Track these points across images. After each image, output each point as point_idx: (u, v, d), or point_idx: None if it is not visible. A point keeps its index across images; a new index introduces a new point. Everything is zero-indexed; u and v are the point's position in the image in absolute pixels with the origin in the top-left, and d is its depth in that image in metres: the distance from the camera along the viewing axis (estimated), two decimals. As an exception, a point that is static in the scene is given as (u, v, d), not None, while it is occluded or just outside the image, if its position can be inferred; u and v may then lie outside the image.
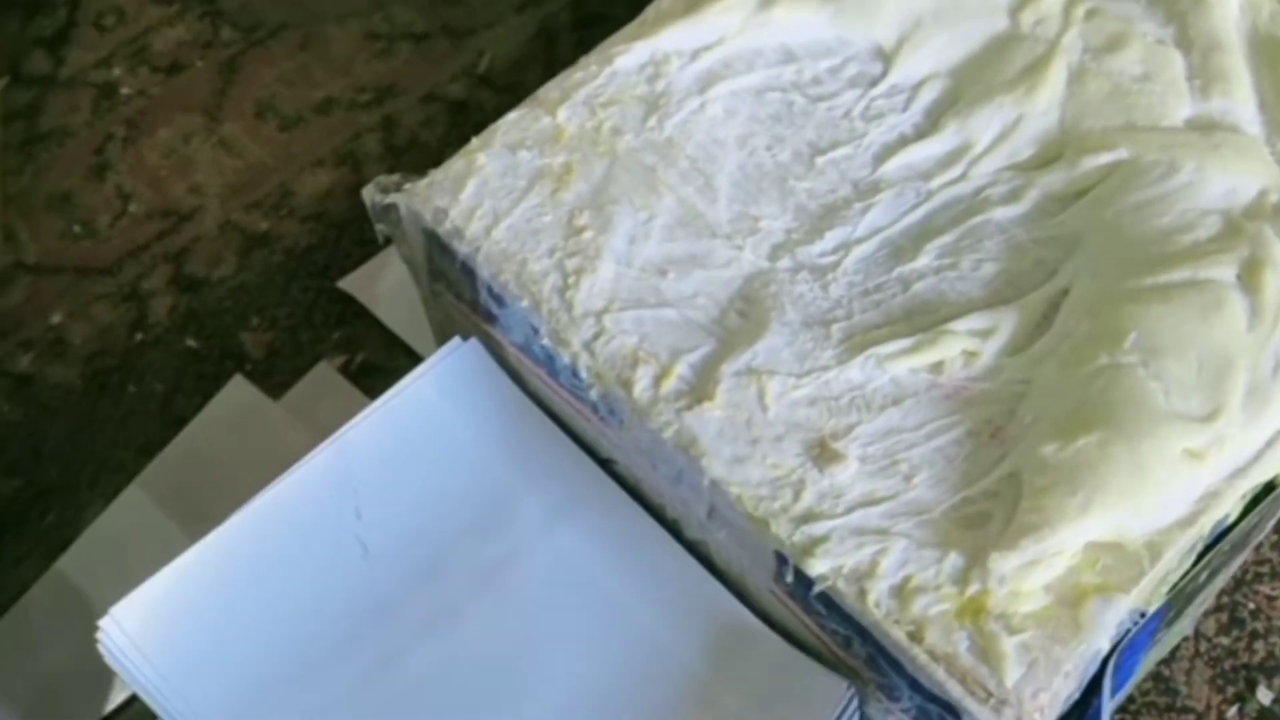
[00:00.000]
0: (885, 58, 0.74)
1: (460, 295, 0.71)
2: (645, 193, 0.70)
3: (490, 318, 0.69)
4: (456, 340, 0.71)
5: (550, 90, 0.72)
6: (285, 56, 1.05)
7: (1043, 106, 0.72)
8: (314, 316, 0.94)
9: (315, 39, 1.05)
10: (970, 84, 0.73)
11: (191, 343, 0.93)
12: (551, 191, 0.69)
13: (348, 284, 0.93)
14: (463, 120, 1.01)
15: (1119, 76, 0.72)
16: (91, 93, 1.03)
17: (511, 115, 0.72)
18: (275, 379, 0.91)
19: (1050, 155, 0.72)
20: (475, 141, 0.71)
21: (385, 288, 0.92)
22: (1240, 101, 0.71)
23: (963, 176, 0.71)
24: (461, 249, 0.68)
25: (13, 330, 0.93)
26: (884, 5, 0.75)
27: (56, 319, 0.94)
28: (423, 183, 0.69)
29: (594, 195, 0.69)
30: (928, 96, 0.73)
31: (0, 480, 0.87)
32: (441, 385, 0.70)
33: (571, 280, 0.67)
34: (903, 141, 0.72)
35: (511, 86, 1.03)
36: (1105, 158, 0.70)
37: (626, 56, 0.73)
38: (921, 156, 0.72)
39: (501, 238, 0.68)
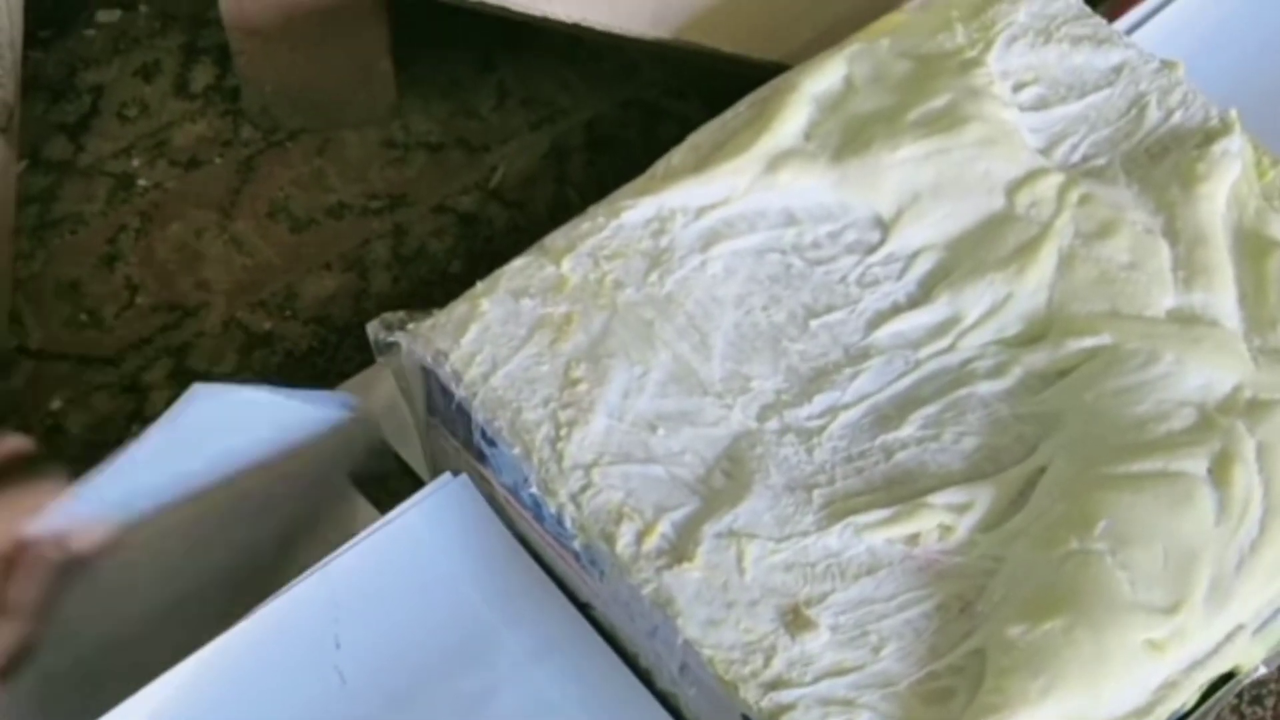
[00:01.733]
0: (884, 226, 0.78)
1: (454, 432, 0.74)
2: (642, 347, 0.72)
3: (482, 457, 0.72)
4: (447, 476, 0.74)
5: (557, 239, 0.76)
6: (302, 159, 1.08)
7: (1032, 286, 0.75)
8: (309, 420, 0.96)
9: (332, 144, 1.08)
10: (964, 258, 0.76)
11: (187, 439, 0.95)
12: (550, 341, 0.72)
13: (343, 390, 0.96)
14: (471, 233, 1.04)
15: (1107, 263, 0.75)
16: (109, 182, 1.06)
17: (517, 262, 0.75)
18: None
19: (1036, 334, 0.75)
20: (480, 285, 0.74)
21: (380, 397, 0.94)
22: (1221, 295, 0.75)
23: (951, 348, 0.74)
24: (459, 392, 0.71)
25: (11, 414, 0.95)
26: (885, 176, 0.78)
27: (56, 405, 0.97)
28: (426, 324, 0.72)
29: (592, 347, 0.72)
30: (922, 267, 0.76)
31: (-11, 568, 0.89)
32: (430, 520, 0.73)
33: (564, 432, 0.70)
34: (895, 310, 0.76)
35: (521, 202, 1.06)
36: (1089, 341, 0.73)
37: (633, 211, 0.76)
38: (912, 325, 0.75)
39: (499, 385, 0.71)
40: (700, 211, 0.77)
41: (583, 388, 0.71)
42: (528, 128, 1.11)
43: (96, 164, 1.07)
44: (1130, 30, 0.89)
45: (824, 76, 0.81)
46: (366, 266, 1.03)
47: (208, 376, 0.98)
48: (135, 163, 1.07)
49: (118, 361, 0.99)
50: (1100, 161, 0.80)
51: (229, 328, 1.01)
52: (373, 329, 0.74)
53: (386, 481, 0.95)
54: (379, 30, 1.02)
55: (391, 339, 0.73)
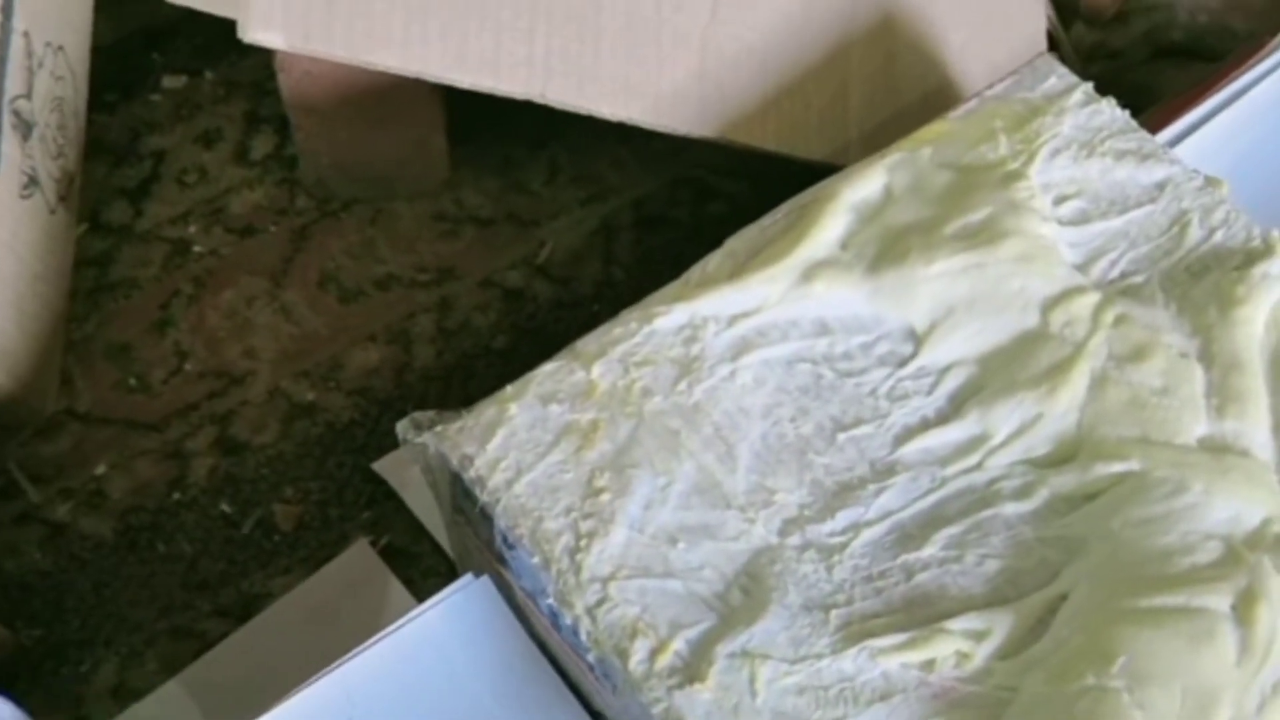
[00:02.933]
0: (916, 339, 0.76)
1: (478, 533, 0.73)
2: (666, 457, 0.72)
3: (503, 560, 0.72)
4: (469, 577, 0.73)
5: (589, 343, 0.75)
6: (354, 230, 1.08)
7: (1062, 408, 0.74)
8: (345, 494, 0.96)
9: (384, 215, 1.08)
10: (995, 375, 0.75)
11: (225, 508, 0.95)
12: (576, 449, 0.71)
13: (381, 467, 0.96)
14: (516, 308, 1.04)
15: (1139, 387, 0.73)
16: (165, 248, 1.06)
17: (548, 366, 0.74)
18: (300, 554, 0.93)
19: (1065, 455, 0.73)
20: (510, 389, 0.73)
21: (416, 475, 0.94)
22: (1254, 424, 0.73)
23: (978, 466, 0.73)
24: (483, 497, 0.70)
25: (55, 477, 0.96)
26: (920, 289, 0.76)
27: (100, 470, 0.97)
28: (454, 426, 0.72)
29: (616, 456, 0.71)
30: (953, 382, 0.75)
31: (22, 629, 0.89)
32: (449, 621, 0.72)
33: (583, 543, 0.69)
34: (924, 425, 0.74)
35: (566, 279, 1.05)
36: (1117, 466, 0.72)
37: (666, 318, 0.75)
38: (940, 442, 0.74)
39: (522, 492, 0.70)
40: (733, 320, 0.76)
41: (605, 498, 0.70)
42: (577, 204, 1.10)
43: (154, 229, 1.08)
44: (1175, 142, 0.87)
45: (863, 185, 0.80)
46: (411, 339, 1.03)
47: (249, 446, 0.98)
48: (192, 229, 1.08)
49: (162, 428, 0.99)
50: (1139, 279, 0.79)
51: (273, 397, 1.01)
52: (402, 428, 0.73)
53: (419, 560, 0.95)
54: (434, 109, 1.02)
55: (419, 439, 0.72)
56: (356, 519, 0.96)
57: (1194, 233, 0.80)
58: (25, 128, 0.93)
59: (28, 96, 0.93)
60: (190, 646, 0.92)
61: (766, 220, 0.80)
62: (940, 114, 0.87)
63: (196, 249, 1.07)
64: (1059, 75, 0.85)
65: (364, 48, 0.77)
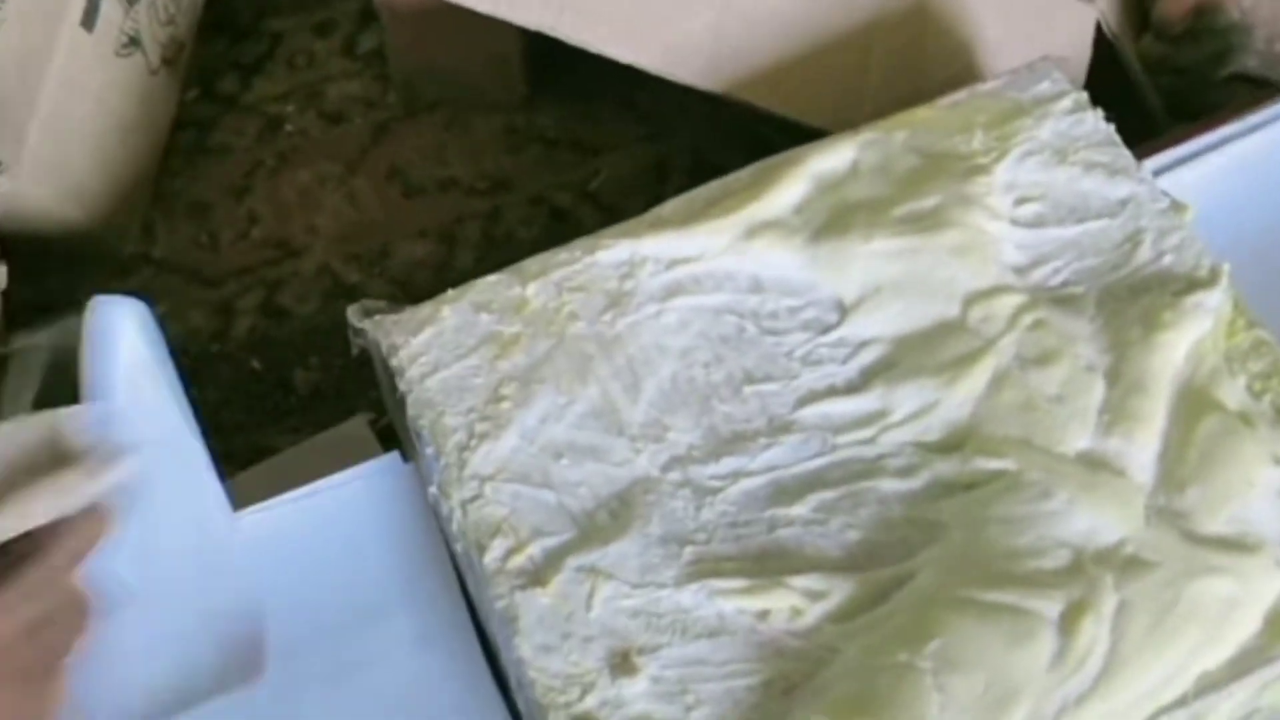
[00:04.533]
0: (842, 310, 0.76)
1: (404, 420, 0.75)
2: (574, 379, 0.73)
3: (415, 448, 0.74)
4: (394, 456, 0.76)
5: (533, 263, 0.76)
6: (430, 131, 1.11)
7: (959, 399, 0.73)
8: (363, 373, 0.99)
9: (460, 122, 1.10)
10: (907, 357, 0.74)
11: (256, 364, 1.00)
12: (493, 357, 0.73)
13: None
14: (559, 228, 1.06)
15: (1034, 392, 0.72)
16: (261, 121, 1.11)
17: (491, 278, 0.76)
18: (310, 417, 0.97)
19: (952, 444, 0.73)
20: (451, 293, 0.75)
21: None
22: (1139, 446, 0.71)
23: (870, 440, 0.73)
24: (400, 386, 0.73)
25: (119, 312, 1.01)
26: (855, 263, 0.76)
27: (158, 312, 1.02)
28: (391, 318, 0.74)
29: (528, 370, 0.73)
30: (867, 357, 0.75)
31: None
32: (362, 494, 0.76)
33: (474, 442, 0.71)
34: (830, 392, 0.74)
35: (613, 208, 1.07)
36: (995, 464, 0.71)
37: (609, 251, 0.76)
38: (840, 410, 0.74)
39: (433, 386, 0.72)
40: (672, 263, 0.77)
41: (505, 405, 0.72)
42: (638, 140, 1.11)
43: (257, 103, 1.12)
44: (1169, 168, 0.84)
45: (831, 156, 0.80)
46: (457, 241, 1.06)
47: (290, 314, 1.02)
48: (289, 108, 1.12)
49: (219, 284, 1.04)
50: (1077, 289, 0.77)
51: (321, 273, 1.04)
52: (352, 312, 0.76)
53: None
54: (511, 29, 1.03)
55: (361, 325, 0.75)
56: (365, 396, 0.99)
57: (1144, 252, 0.78)
58: (131, -9, 0.97)
59: (137, -36, 0.97)
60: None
61: (732, 177, 0.80)
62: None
63: (288, 128, 1.11)
64: (1053, 80, 0.83)
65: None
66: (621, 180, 1.09)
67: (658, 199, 1.07)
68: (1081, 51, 0.95)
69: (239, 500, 0.93)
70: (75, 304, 0.99)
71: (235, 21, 1.15)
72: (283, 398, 0.99)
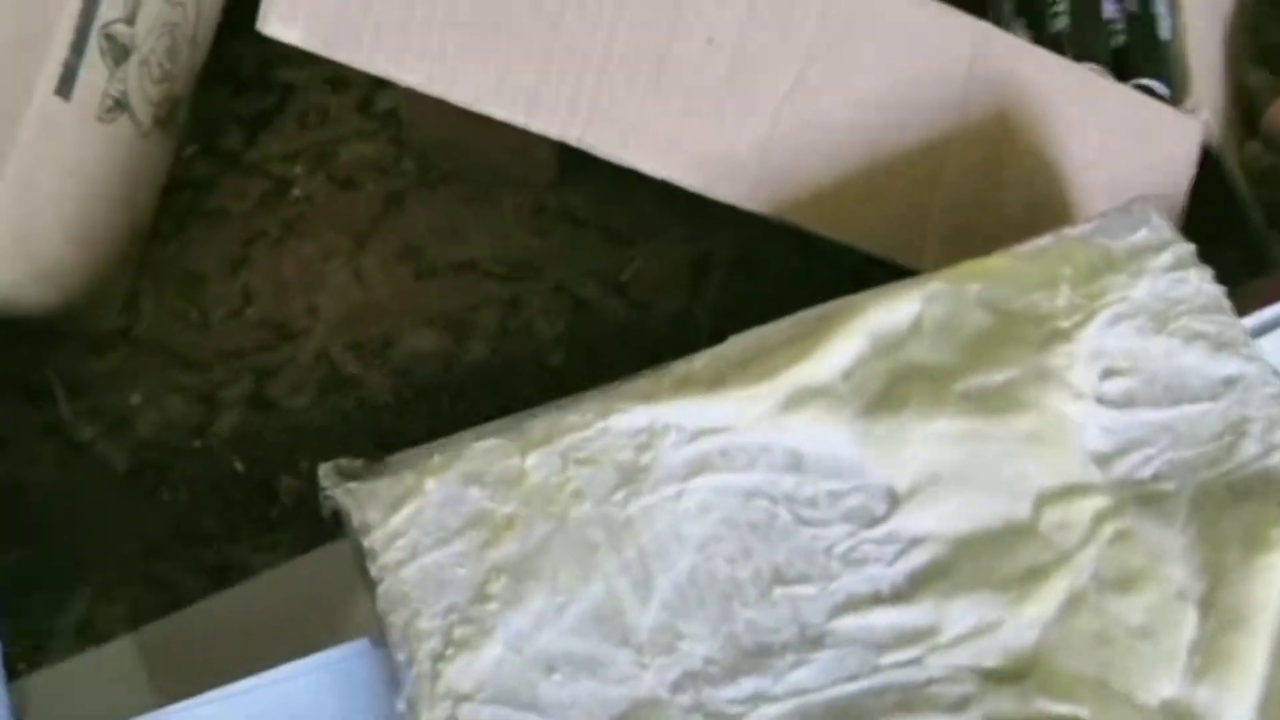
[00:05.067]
0: (893, 500, 0.65)
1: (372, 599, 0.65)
2: (575, 573, 0.62)
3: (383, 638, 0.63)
4: (364, 644, 0.65)
5: (538, 426, 0.65)
6: (447, 205, 1.00)
7: (1026, 621, 0.62)
8: (358, 480, 0.89)
9: (481, 198, 1.00)
10: (966, 564, 0.63)
11: (238, 465, 0.89)
12: (482, 543, 0.62)
13: (394, 462, 0.88)
14: (584, 323, 0.95)
15: (1115, 621, 0.61)
16: (265, 184, 1.00)
17: (486, 443, 0.65)
18: (291, 531, 0.87)
19: (1013, 674, 0.61)
20: (437, 459, 0.64)
21: (427, 480, 0.86)
22: (1234, 697, 0.60)
23: (917, 661, 0.62)
24: (372, 572, 0.62)
25: (90, 395, 0.91)
26: (911, 445, 0.65)
27: (134, 399, 0.92)
28: (367, 486, 0.63)
29: (521, 560, 0.62)
30: (918, 559, 0.64)
31: (5, 546, 0.85)
32: (324, 683, 0.64)
33: (452, 651, 0.60)
34: (873, 599, 0.63)
35: (644, 305, 0.96)
36: (1063, 708, 0.60)
37: (625, 415, 0.65)
38: (885, 622, 0.63)
39: (409, 577, 0.62)
40: (698, 434, 0.65)
41: (492, 606, 0.61)
42: (677, 230, 0.99)
43: (261, 162, 1.01)
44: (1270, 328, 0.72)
45: (892, 310, 0.68)
46: (469, 332, 0.95)
47: (279, 407, 0.91)
48: (297, 169, 1.01)
49: (205, 369, 0.93)
50: (1168, 486, 0.65)
51: (318, 361, 0.94)
52: (324, 472, 0.65)
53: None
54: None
55: (329, 493, 0.64)
56: (359, 507, 0.88)
57: (1249, 446, 0.66)
58: (120, 52, 0.87)
59: (128, 21, 0.86)
60: (162, 599, 0.86)
61: (775, 327, 0.69)
62: (1031, 234, 0.74)
63: (295, 192, 1.00)
64: (1152, 226, 0.71)
65: (389, 60, 0.68)
66: (656, 273, 0.98)
67: (695, 295, 0.96)
68: (1184, 169, 0.83)
69: (198, 631, 0.83)
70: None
71: (240, 70, 1.04)
72: (264, 506, 0.89)
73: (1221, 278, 0.71)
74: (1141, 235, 0.71)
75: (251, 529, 0.89)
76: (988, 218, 0.77)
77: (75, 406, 0.92)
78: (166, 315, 0.95)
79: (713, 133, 0.73)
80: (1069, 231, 0.71)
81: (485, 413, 0.87)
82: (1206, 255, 0.73)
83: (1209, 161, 0.88)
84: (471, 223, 0.99)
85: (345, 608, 0.84)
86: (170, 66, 0.93)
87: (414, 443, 0.86)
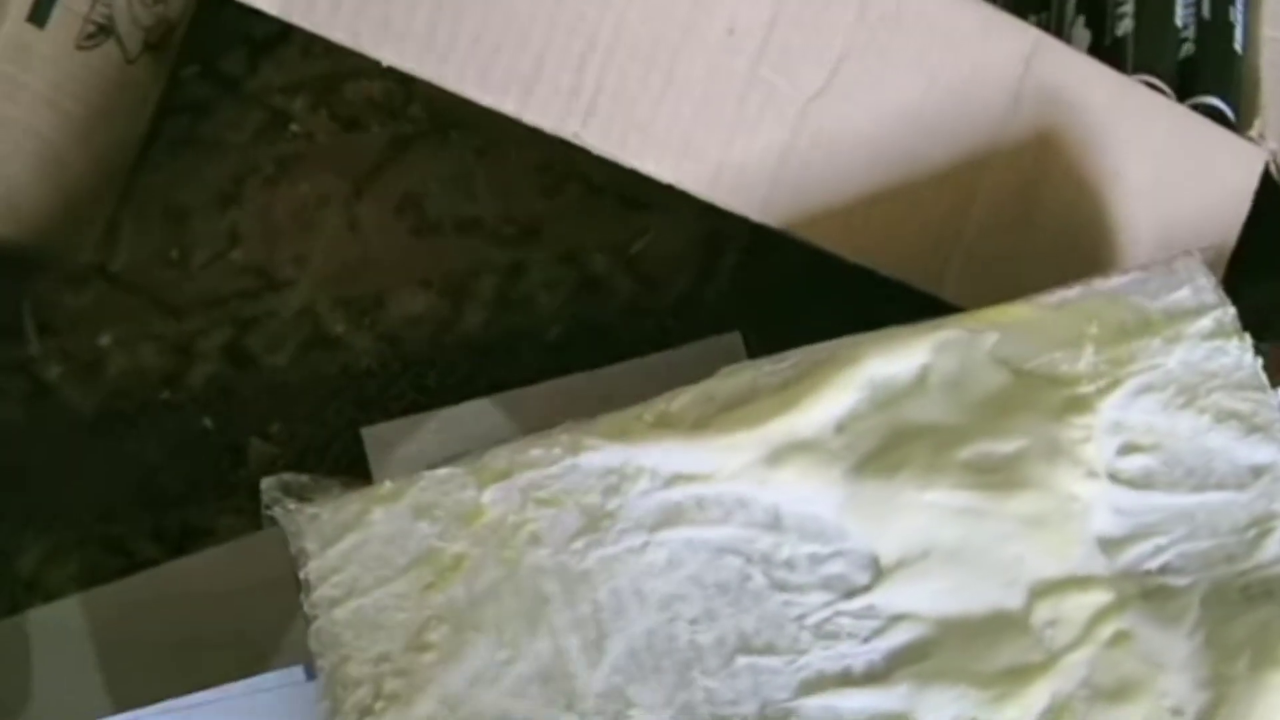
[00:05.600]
0: (877, 571, 0.59)
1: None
2: (522, 626, 0.57)
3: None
4: (297, 672, 0.61)
5: (500, 456, 0.60)
6: (455, 156, 0.94)
7: (1005, 724, 0.56)
8: (330, 448, 0.85)
9: (492, 150, 0.93)
10: (947, 650, 0.58)
11: (208, 422, 0.85)
12: (425, 585, 0.58)
13: (369, 434, 0.83)
14: (587, 298, 0.89)
15: (1102, 739, 0.55)
16: (263, 115, 0.94)
17: (442, 471, 0.60)
18: (257, 499, 0.82)
19: (987, 782, 0.56)
20: (388, 485, 0.59)
21: (401, 456, 0.81)
22: (1224, 837, 0.54)
23: (884, 754, 0.56)
24: (305, 606, 0.57)
25: (61, 332, 0.86)
26: (900, 513, 0.59)
27: (105, 340, 0.87)
28: (309, 510, 0.58)
29: (466, 608, 0.57)
30: (898, 638, 0.58)
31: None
32: (262, 707, 0.60)
33: (380, 705, 0.56)
34: (843, 678, 0.58)
35: (652, 280, 0.90)
36: (1034, 826, 0.54)
37: (594, 454, 0.60)
38: (854, 706, 0.58)
39: (342, 619, 0.57)
40: (672, 480, 0.60)
41: (429, 657, 0.56)
42: (695, 204, 0.93)
43: (260, 92, 0.95)
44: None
45: (896, 359, 0.62)
46: (465, 297, 0.90)
47: (257, 364, 0.86)
48: (297, 104, 0.95)
49: (181, 316, 0.88)
50: (1180, 581, 0.59)
51: (302, 317, 0.89)
52: (267, 486, 0.60)
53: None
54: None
55: (270, 512, 0.59)
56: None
57: (1272, 546, 0.60)
58: (106, -26, 0.80)
59: (118, -58, 0.80)
60: (115, 563, 0.83)
61: (769, 365, 0.63)
62: (1065, 264, 0.67)
63: (293, 127, 0.94)
64: (1196, 288, 0.64)
65: (372, 37, 0.62)
66: (669, 248, 0.92)
67: (706, 276, 0.90)
68: (1241, 203, 0.76)
69: (148, 597, 0.79)
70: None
71: (251, -10, 0.97)
72: (231, 469, 0.84)
73: (1268, 312, 0.64)
74: (1182, 295, 0.64)
75: (215, 492, 0.85)
76: (1020, 245, 0.71)
77: (45, 343, 0.87)
78: (147, 252, 0.90)
79: (726, 136, 0.66)
80: (1100, 284, 0.65)
81: (475, 388, 0.82)
82: (1255, 290, 0.67)
83: (1272, 188, 0.81)
84: (479, 178, 0.93)
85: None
86: (166, -12, 0.87)
87: (394, 415, 0.81)
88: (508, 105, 0.64)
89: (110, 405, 0.86)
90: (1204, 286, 0.65)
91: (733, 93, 0.68)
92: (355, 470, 0.84)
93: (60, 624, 0.80)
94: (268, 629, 0.77)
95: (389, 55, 0.62)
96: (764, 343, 0.85)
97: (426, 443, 0.83)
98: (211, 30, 0.95)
